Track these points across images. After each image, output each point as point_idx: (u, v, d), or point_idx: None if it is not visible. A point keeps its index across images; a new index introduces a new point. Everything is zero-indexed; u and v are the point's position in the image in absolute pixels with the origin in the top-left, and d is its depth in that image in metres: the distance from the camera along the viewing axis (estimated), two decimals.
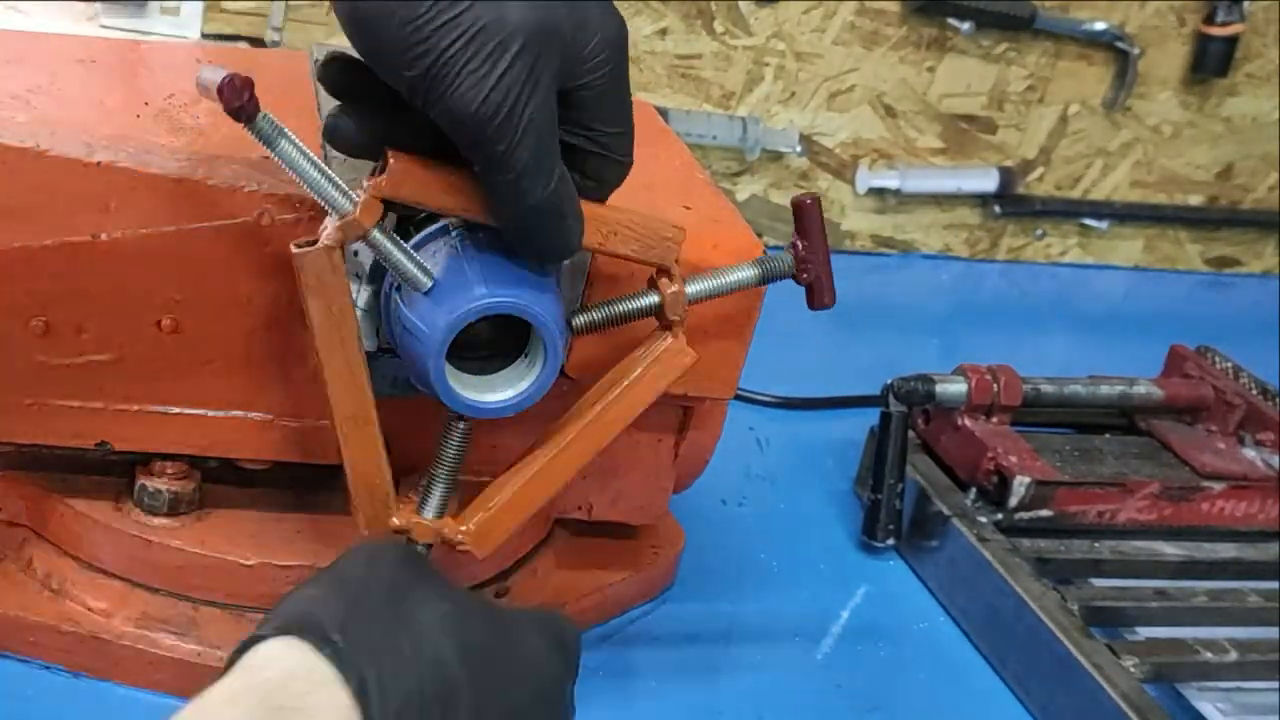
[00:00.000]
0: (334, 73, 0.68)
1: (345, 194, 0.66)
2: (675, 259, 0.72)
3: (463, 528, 0.72)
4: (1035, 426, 1.10)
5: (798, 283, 0.75)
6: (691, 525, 0.95)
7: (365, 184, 0.66)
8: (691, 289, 0.73)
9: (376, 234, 0.66)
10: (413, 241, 0.70)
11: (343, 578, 0.61)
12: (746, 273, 0.74)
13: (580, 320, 0.72)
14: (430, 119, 0.63)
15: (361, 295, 0.72)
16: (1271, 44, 1.62)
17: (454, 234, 0.69)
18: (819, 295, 0.76)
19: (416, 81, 0.61)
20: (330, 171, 0.65)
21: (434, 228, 0.70)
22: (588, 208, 0.68)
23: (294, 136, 0.65)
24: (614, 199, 0.70)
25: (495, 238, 0.69)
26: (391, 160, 0.66)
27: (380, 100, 0.67)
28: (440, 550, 0.73)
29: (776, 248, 1.49)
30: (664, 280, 0.72)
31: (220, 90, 0.62)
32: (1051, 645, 0.88)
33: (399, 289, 0.69)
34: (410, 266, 0.67)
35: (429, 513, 0.72)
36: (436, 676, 0.57)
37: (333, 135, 0.67)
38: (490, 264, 0.67)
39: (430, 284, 0.67)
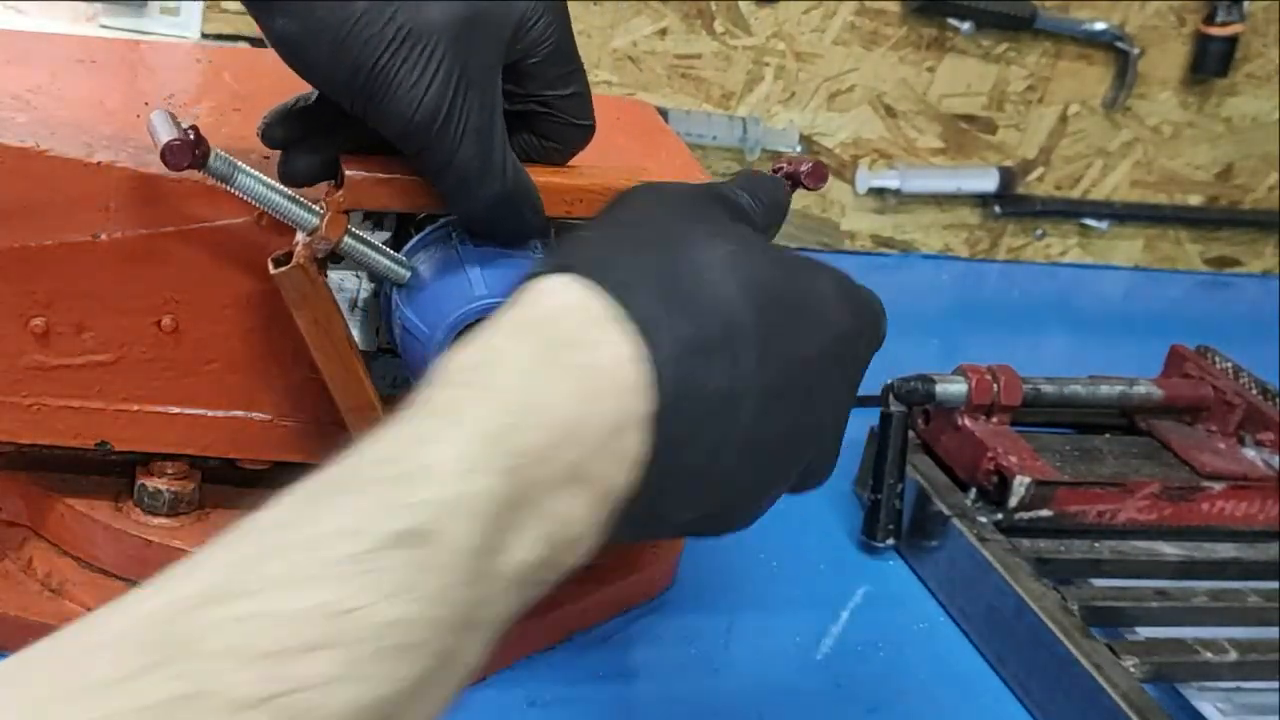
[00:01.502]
0: (275, 134, 0.69)
1: (310, 210, 0.67)
2: None
3: None
4: (1035, 426, 1.10)
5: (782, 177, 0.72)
6: None
7: (325, 199, 0.67)
8: None
9: (347, 242, 0.67)
10: (412, 242, 0.70)
11: (617, 219, 0.59)
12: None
13: None
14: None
15: (361, 294, 0.72)
16: (1271, 44, 1.62)
17: (454, 235, 0.69)
18: (807, 176, 0.73)
19: (353, 97, 0.62)
20: (291, 192, 0.66)
21: (433, 228, 0.70)
22: (547, 181, 0.69)
23: (248, 168, 0.66)
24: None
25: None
26: (347, 171, 0.67)
27: (326, 125, 0.68)
28: None
29: None
30: None
31: (164, 156, 0.63)
32: (1051, 645, 0.88)
33: (399, 289, 0.69)
34: (386, 263, 0.68)
35: None
36: (720, 318, 0.53)
37: (290, 178, 0.68)
38: (490, 265, 0.68)
39: (408, 275, 0.68)
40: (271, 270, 0.68)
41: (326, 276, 0.69)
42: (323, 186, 0.69)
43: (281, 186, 0.67)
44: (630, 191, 0.61)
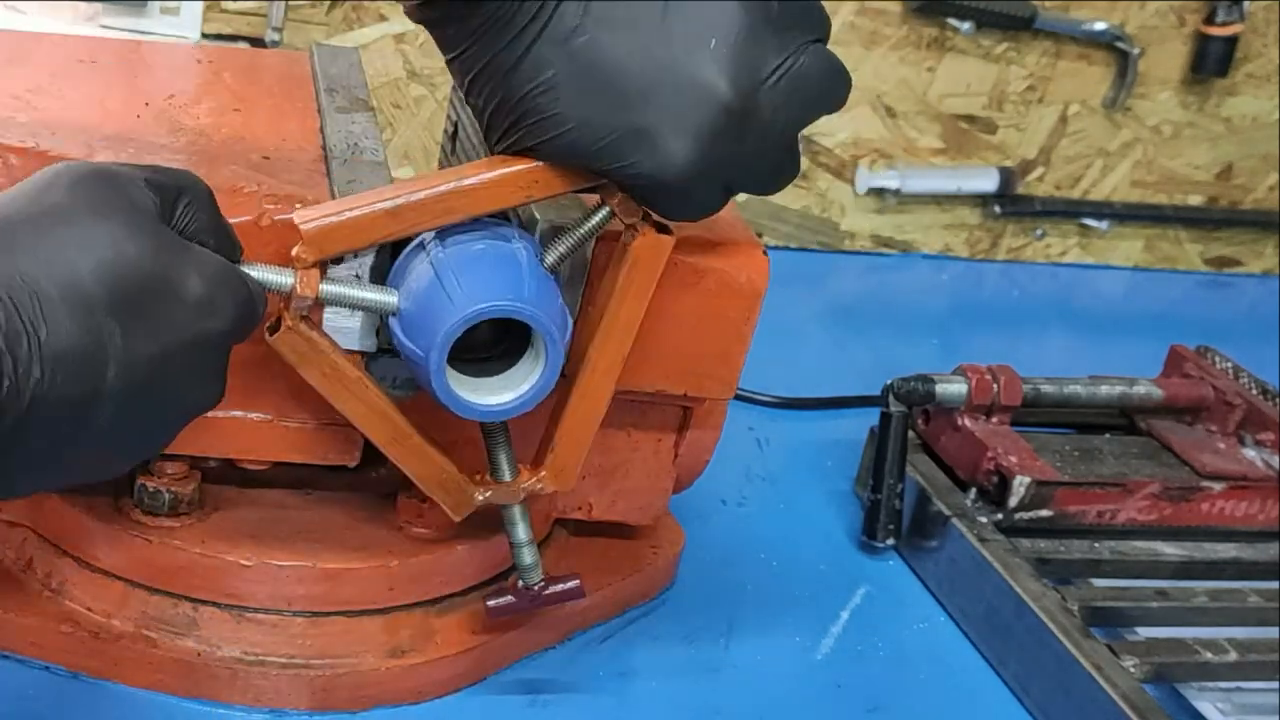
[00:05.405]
0: None
1: (280, 272, 0.67)
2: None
3: (541, 474, 0.75)
4: (1035, 426, 1.10)
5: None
6: (691, 525, 0.95)
7: (292, 258, 0.67)
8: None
9: (326, 290, 0.68)
10: (395, 265, 0.70)
11: (23, 215, 0.56)
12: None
13: (550, 259, 0.71)
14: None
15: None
16: (1271, 44, 1.62)
17: (429, 248, 0.69)
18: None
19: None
20: (257, 265, 0.66)
21: (410, 249, 0.70)
22: (503, 173, 0.69)
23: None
24: None
25: (468, 242, 0.69)
26: (300, 225, 0.67)
27: None
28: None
29: (775, 248, 1.49)
30: (605, 194, 0.71)
31: None
32: (1051, 645, 0.88)
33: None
34: (372, 297, 0.69)
35: (504, 475, 0.75)
36: (84, 329, 0.54)
37: None
38: (467, 268, 0.68)
39: (396, 301, 0.68)
40: (267, 338, 0.69)
41: (321, 323, 0.69)
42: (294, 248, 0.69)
43: (251, 265, 0.66)
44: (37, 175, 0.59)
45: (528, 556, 0.77)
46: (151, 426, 0.59)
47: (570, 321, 0.71)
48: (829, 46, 0.71)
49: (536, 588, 0.78)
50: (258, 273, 0.66)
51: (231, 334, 0.61)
